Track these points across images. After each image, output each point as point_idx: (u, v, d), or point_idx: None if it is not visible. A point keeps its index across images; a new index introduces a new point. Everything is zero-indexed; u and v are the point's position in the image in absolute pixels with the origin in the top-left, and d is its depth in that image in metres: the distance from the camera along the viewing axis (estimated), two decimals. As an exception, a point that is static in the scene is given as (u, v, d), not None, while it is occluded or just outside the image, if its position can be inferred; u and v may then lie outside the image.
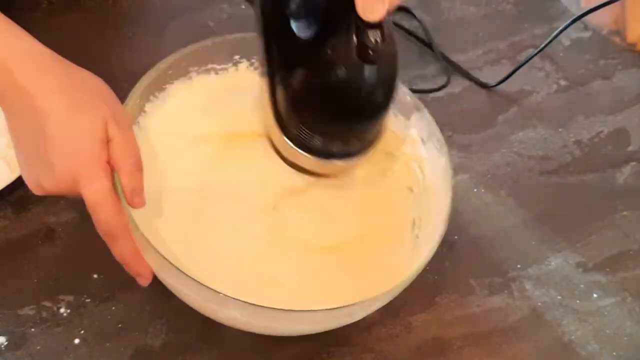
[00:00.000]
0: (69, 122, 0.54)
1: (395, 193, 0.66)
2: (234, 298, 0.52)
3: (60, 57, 0.56)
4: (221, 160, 0.66)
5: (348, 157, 0.56)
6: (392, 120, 0.65)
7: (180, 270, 0.52)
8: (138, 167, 0.56)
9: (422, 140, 0.64)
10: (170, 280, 0.56)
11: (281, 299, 0.56)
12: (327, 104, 0.52)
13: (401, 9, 0.89)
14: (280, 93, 0.54)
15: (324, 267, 0.62)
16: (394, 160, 0.67)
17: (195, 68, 0.66)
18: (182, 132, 0.66)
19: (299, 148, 0.55)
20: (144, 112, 0.64)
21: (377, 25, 0.49)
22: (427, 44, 0.87)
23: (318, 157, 0.56)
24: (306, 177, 0.59)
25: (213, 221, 0.63)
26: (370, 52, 0.49)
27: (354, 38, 0.49)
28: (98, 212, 0.54)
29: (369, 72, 0.51)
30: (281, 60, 0.55)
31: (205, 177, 0.65)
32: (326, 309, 0.53)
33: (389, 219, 0.65)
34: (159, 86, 0.65)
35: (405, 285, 0.57)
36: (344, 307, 0.54)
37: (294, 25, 0.54)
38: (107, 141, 0.55)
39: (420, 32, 0.88)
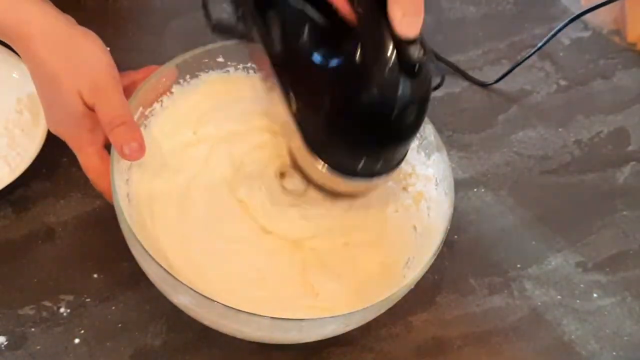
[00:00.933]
0: (48, 96, 0.60)
1: (400, 230, 0.65)
2: (184, 283, 0.52)
3: (67, 19, 0.60)
4: (234, 157, 0.66)
5: (385, 174, 0.57)
6: (415, 156, 0.66)
7: (149, 254, 0.52)
8: (119, 122, 0.57)
9: (436, 181, 0.64)
10: (147, 269, 0.56)
11: (258, 302, 0.56)
12: (379, 122, 0.53)
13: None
14: (315, 122, 0.55)
15: (307, 277, 0.62)
16: (407, 196, 0.66)
17: (234, 63, 0.66)
18: (200, 123, 0.66)
19: (341, 172, 0.56)
20: (171, 93, 0.64)
21: (415, 40, 0.49)
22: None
23: (360, 178, 0.57)
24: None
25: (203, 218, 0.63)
26: (416, 66, 0.50)
27: (394, 55, 0.49)
28: (86, 172, 0.62)
29: (413, 85, 0.51)
30: (310, 90, 0.55)
31: (210, 171, 0.65)
32: (272, 317, 0.52)
33: (388, 255, 0.64)
34: (191, 71, 0.64)
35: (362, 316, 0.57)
36: (292, 320, 0.53)
37: (316, 56, 0.54)
38: (90, 107, 0.58)
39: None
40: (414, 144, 0.66)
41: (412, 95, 0.52)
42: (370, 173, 0.57)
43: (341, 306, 0.60)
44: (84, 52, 0.59)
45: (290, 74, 0.56)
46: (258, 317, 0.52)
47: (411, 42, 0.49)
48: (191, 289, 0.52)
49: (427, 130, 0.64)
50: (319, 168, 0.56)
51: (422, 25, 0.49)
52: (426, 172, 0.65)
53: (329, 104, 0.54)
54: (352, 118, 0.53)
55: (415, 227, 0.64)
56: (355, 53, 0.51)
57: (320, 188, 0.60)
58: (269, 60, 0.58)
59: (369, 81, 0.51)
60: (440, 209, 0.62)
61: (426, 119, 0.64)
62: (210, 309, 0.53)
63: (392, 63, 0.50)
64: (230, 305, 0.51)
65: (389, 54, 0.49)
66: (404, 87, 0.51)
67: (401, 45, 0.49)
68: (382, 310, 0.57)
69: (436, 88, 0.82)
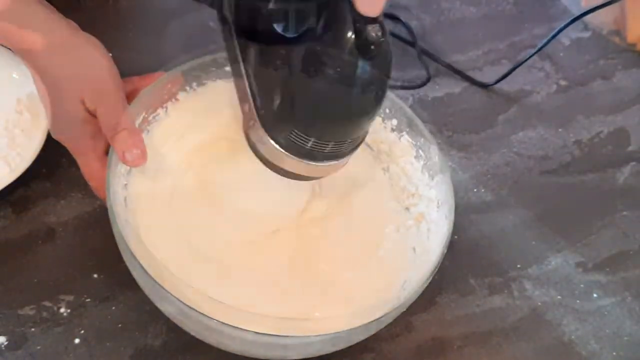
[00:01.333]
0: (51, 102, 0.59)
1: (400, 251, 0.65)
2: (168, 291, 0.51)
3: (69, 25, 0.60)
4: (236, 163, 0.66)
5: (339, 158, 0.56)
6: (419, 176, 0.66)
7: (135, 258, 0.52)
8: (121, 128, 0.58)
9: (438, 203, 0.63)
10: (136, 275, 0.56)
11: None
12: (329, 103, 0.52)
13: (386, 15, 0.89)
14: (269, 98, 0.54)
15: (303, 292, 0.62)
16: (409, 216, 0.66)
17: None
18: (203, 131, 0.66)
19: (292, 154, 0.54)
20: (176, 99, 0.64)
21: (376, 20, 0.48)
22: (423, 51, 0.86)
23: (314, 160, 0.55)
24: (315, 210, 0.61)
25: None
26: (372, 47, 0.49)
27: (352, 34, 0.48)
28: (86, 178, 0.63)
29: (369, 67, 0.50)
30: (265, 63, 0.54)
31: (212, 175, 0.65)
32: (256, 332, 0.51)
33: (386, 275, 0.64)
34: (197, 79, 0.64)
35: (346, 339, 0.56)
36: (275, 336, 0.52)
37: (277, 25, 0.53)
38: (92, 113, 0.59)
39: (405, 35, 0.88)
40: (419, 164, 0.66)
41: (366, 76, 0.50)
42: (324, 156, 0.55)
43: (334, 325, 0.58)
44: (86, 59, 0.59)
45: (254, 51, 0.55)
46: (241, 330, 0.51)
47: (371, 21, 0.48)
48: (175, 297, 0.51)
49: (432, 150, 0.64)
50: (276, 148, 0.55)
51: (384, 4, 0.48)
52: (429, 193, 0.65)
53: (286, 81, 0.53)
54: (307, 96, 0.52)
55: (414, 249, 0.64)
56: (314, 31, 0.51)
57: (275, 169, 0.58)
58: (235, 35, 0.57)
59: (324, 60, 0.50)
60: (439, 232, 0.61)
61: (432, 140, 0.64)
62: (193, 319, 0.53)
63: (349, 42, 0.49)
64: (213, 317, 0.51)
65: (346, 32, 0.49)
66: (357, 68, 0.50)
67: (360, 24, 0.48)
68: (372, 332, 0.57)
69: (424, 84, 0.82)
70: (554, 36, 0.86)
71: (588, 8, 0.89)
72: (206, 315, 0.51)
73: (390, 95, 0.66)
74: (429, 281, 0.57)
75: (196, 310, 0.51)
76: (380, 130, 0.68)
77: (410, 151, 0.66)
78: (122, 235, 0.54)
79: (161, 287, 0.52)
